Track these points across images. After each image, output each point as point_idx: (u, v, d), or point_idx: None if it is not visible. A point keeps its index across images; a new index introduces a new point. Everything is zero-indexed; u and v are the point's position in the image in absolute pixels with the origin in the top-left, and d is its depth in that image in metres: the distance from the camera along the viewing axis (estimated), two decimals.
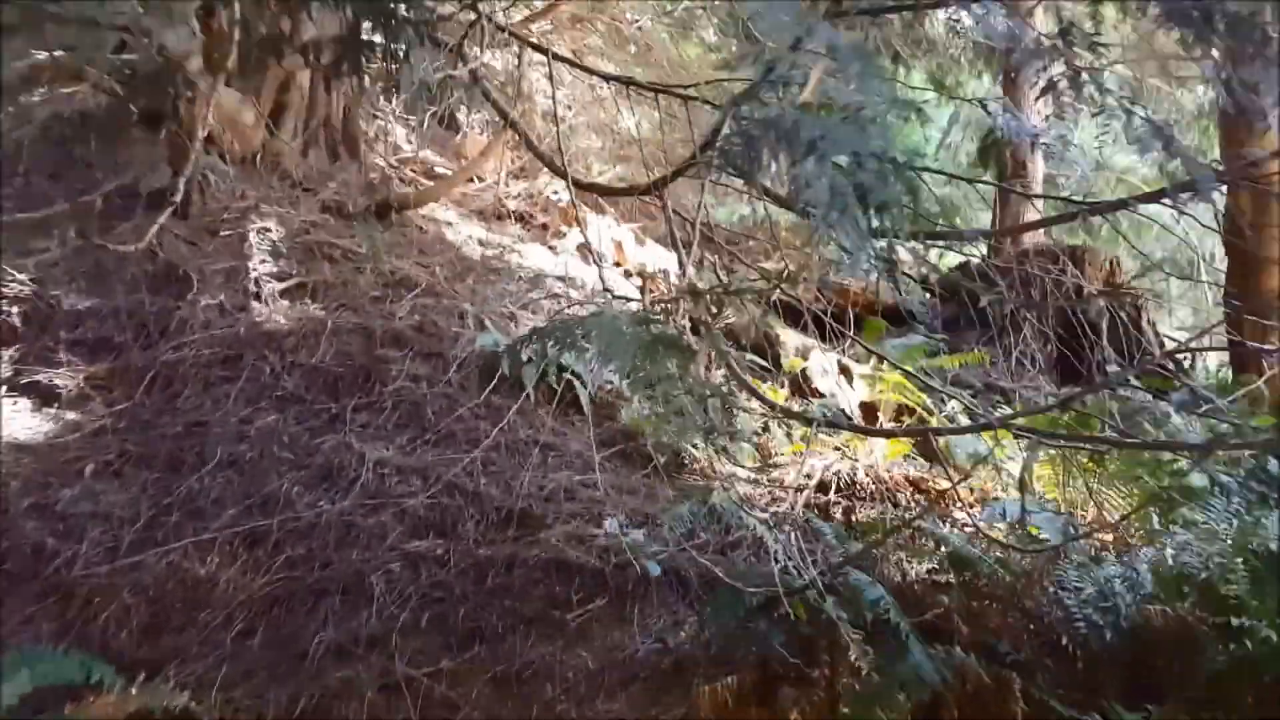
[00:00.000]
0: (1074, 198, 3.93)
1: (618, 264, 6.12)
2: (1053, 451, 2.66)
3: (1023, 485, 2.32)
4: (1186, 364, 4.77)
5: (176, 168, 4.77)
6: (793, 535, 2.78)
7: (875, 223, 2.03)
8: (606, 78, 3.12)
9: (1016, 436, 2.28)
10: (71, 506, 3.42)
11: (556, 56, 2.98)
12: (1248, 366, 4.30)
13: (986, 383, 4.74)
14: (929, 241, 2.73)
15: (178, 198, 3.10)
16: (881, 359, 3.94)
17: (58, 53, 4.70)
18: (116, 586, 3.10)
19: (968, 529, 2.86)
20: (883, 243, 2.08)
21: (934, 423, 3.89)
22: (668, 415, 2.03)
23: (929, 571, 2.95)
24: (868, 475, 3.53)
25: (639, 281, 5.94)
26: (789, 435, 3.81)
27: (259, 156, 5.89)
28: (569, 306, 4.52)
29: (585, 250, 5.95)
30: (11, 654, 2.59)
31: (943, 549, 2.63)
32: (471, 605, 2.86)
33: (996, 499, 3.20)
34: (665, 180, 2.71)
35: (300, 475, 3.55)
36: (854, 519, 3.15)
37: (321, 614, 2.91)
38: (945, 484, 3.45)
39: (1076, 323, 4.91)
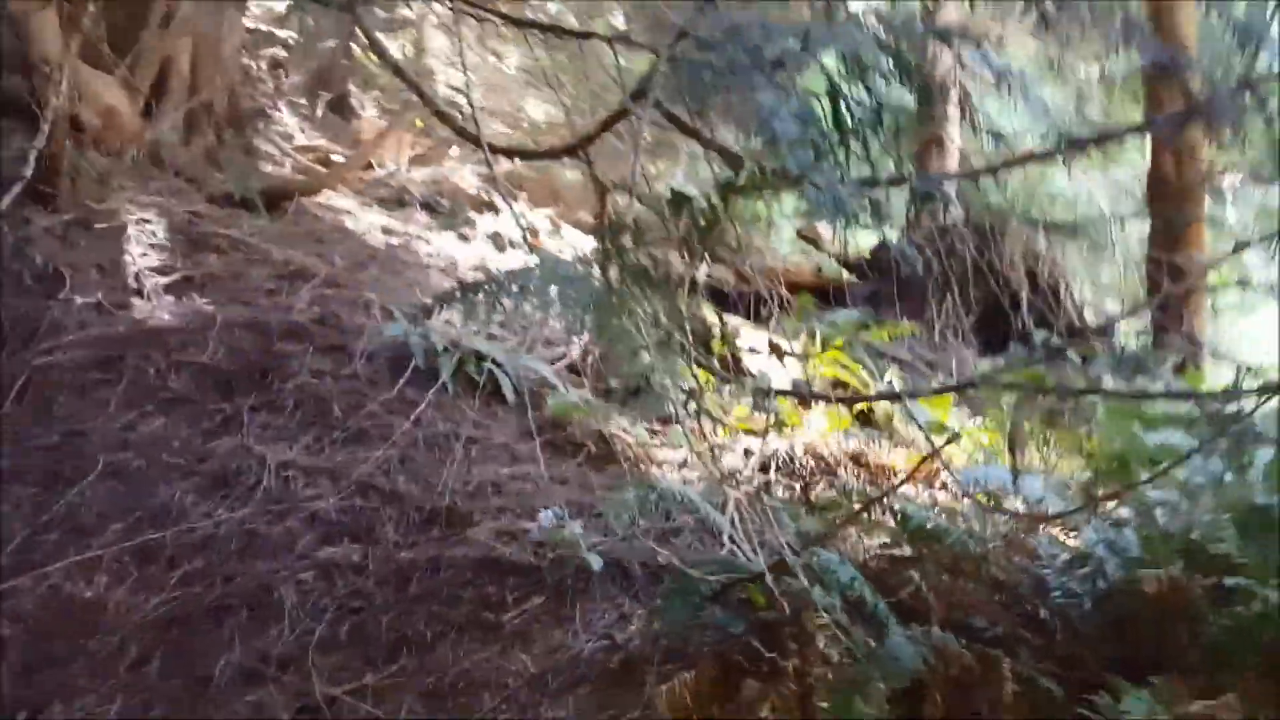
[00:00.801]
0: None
1: (532, 250, 5.88)
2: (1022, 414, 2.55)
3: (1013, 445, 2.18)
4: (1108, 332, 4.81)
5: (42, 157, 4.35)
6: (740, 516, 2.60)
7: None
8: (516, 22, 2.86)
9: (1002, 388, 2.12)
10: None
11: (468, 0, 2.72)
12: (1168, 329, 4.33)
13: (913, 356, 4.69)
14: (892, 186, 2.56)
15: (27, 172, 2.73)
16: (813, 335, 3.81)
17: None
18: None
19: (923, 501, 2.74)
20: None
21: (871, 392, 3.78)
22: (647, 371, 1.79)
23: (882, 547, 2.82)
24: (807, 452, 3.39)
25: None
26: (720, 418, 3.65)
27: (136, 146, 5.46)
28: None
29: (499, 237, 5.70)
30: None
31: (903, 522, 2.48)
32: (395, 614, 2.60)
33: (955, 467, 3.09)
34: (590, 138, 2.49)
35: (193, 483, 3.22)
36: (809, 497, 2.99)
37: (226, 633, 2.61)
38: (887, 458, 3.34)
39: (997, 294, 4.90)
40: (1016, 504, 2.42)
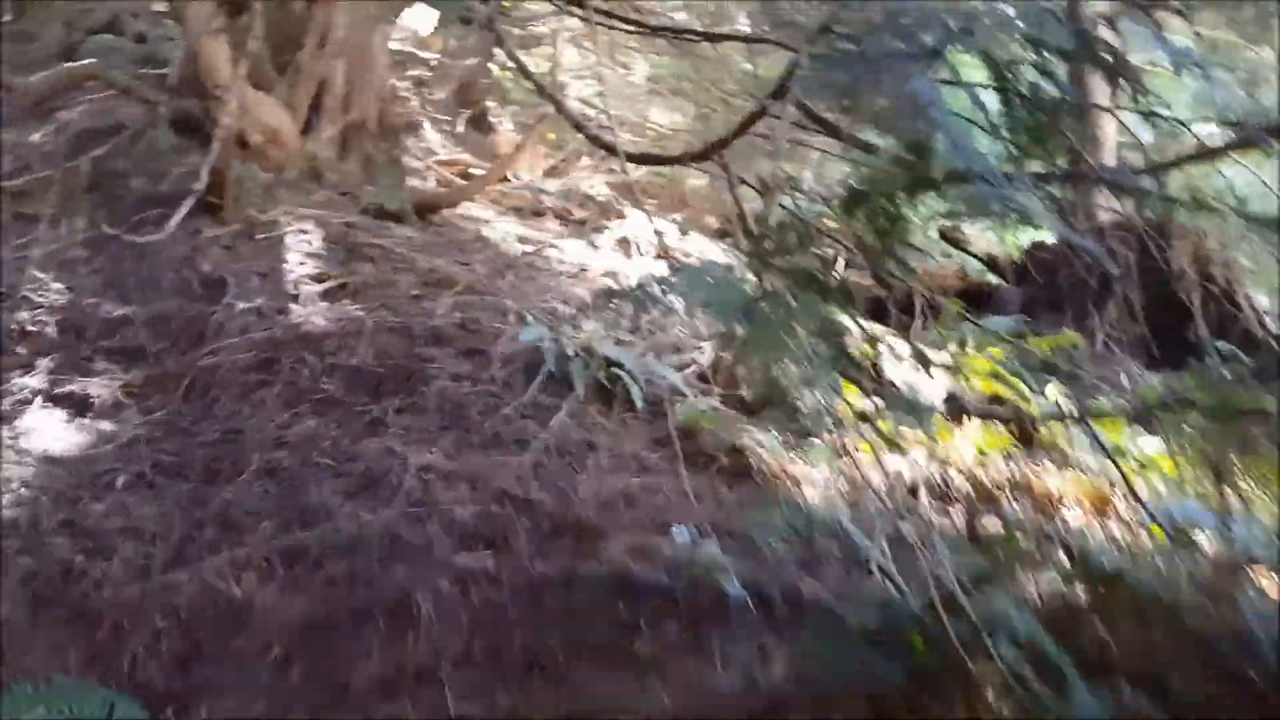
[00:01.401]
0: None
1: (660, 256, 5.65)
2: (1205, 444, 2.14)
3: (1219, 476, 1.79)
4: None
5: (212, 172, 4.37)
6: (890, 546, 2.28)
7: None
8: (653, 29, 2.62)
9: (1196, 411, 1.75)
10: (102, 522, 3.00)
11: (601, 11, 2.50)
12: None
13: (1078, 367, 4.18)
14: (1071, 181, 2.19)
15: (199, 186, 2.65)
16: (963, 344, 3.42)
17: (86, 61, 4.30)
18: (147, 610, 2.67)
19: (1097, 534, 2.35)
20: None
21: (1032, 410, 3.35)
22: (793, 383, 1.51)
23: (1051, 584, 2.43)
24: (962, 474, 3.01)
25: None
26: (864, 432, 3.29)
27: (296, 161, 5.49)
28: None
29: (626, 243, 5.48)
30: (22, 688, 2.17)
31: (1081, 562, 2.11)
32: (528, 631, 2.39)
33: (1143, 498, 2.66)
34: (726, 141, 2.23)
35: (341, 484, 3.11)
36: (974, 527, 2.63)
37: (365, 641, 2.46)
38: (1054, 481, 2.93)
39: (1166, 300, 4.30)
40: (1212, 544, 2.03)
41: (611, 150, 2.66)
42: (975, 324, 3.34)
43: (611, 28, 2.77)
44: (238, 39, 4.44)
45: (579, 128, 2.81)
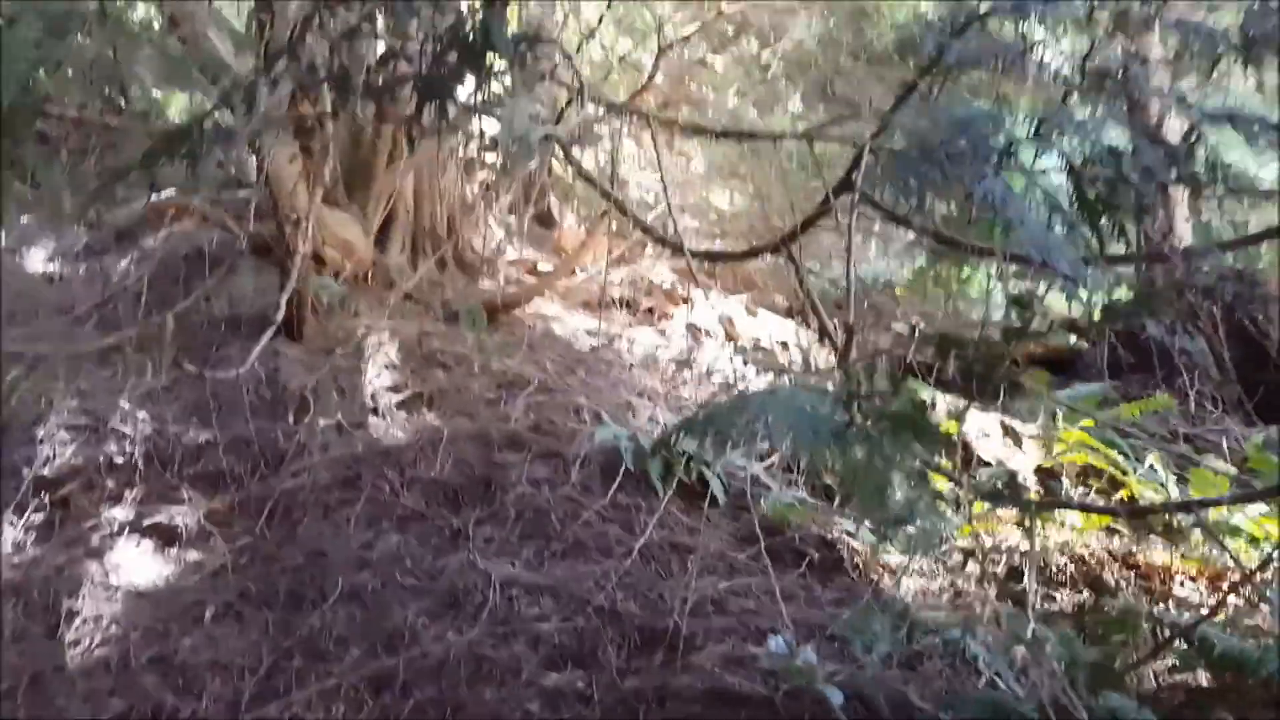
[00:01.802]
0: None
1: (730, 339, 5.62)
2: None
3: None
4: None
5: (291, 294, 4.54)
6: (995, 641, 2.14)
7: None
8: (714, 133, 2.66)
9: None
10: (191, 656, 3.03)
11: (659, 120, 2.54)
12: None
13: (1172, 430, 3.98)
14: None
15: (279, 316, 2.74)
16: (1052, 415, 3.27)
17: (168, 192, 4.56)
18: None
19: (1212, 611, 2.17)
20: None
21: (1132, 484, 3.16)
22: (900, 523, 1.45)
23: (1171, 671, 2.25)
24: (1063, 554, 2.85)
25: (756, 355, 5.41)
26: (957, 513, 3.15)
27: (370, 273, 5.67)
28: (713, 394, 3.98)
29: (695, 329, 5.47)
30: None
31: (1205, 649, 1.94)
32: None
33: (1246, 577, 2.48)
34: (794, 234, 2.20)
35: (425, 604, 3.09)
36: (1082, 618, 2.46)
37: None
38: (1160, 559, 2.75)
39: (1257, 353, 4.10)
40: None
41: (678, 249, 2.67)
42: (1053, 398, 3.17)
43: (674, 132, 2.81)
44: (313, 165, 4.65)
45: (645, 230, 2.83)
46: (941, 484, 3.44)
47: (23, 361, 3.27)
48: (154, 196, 4.85)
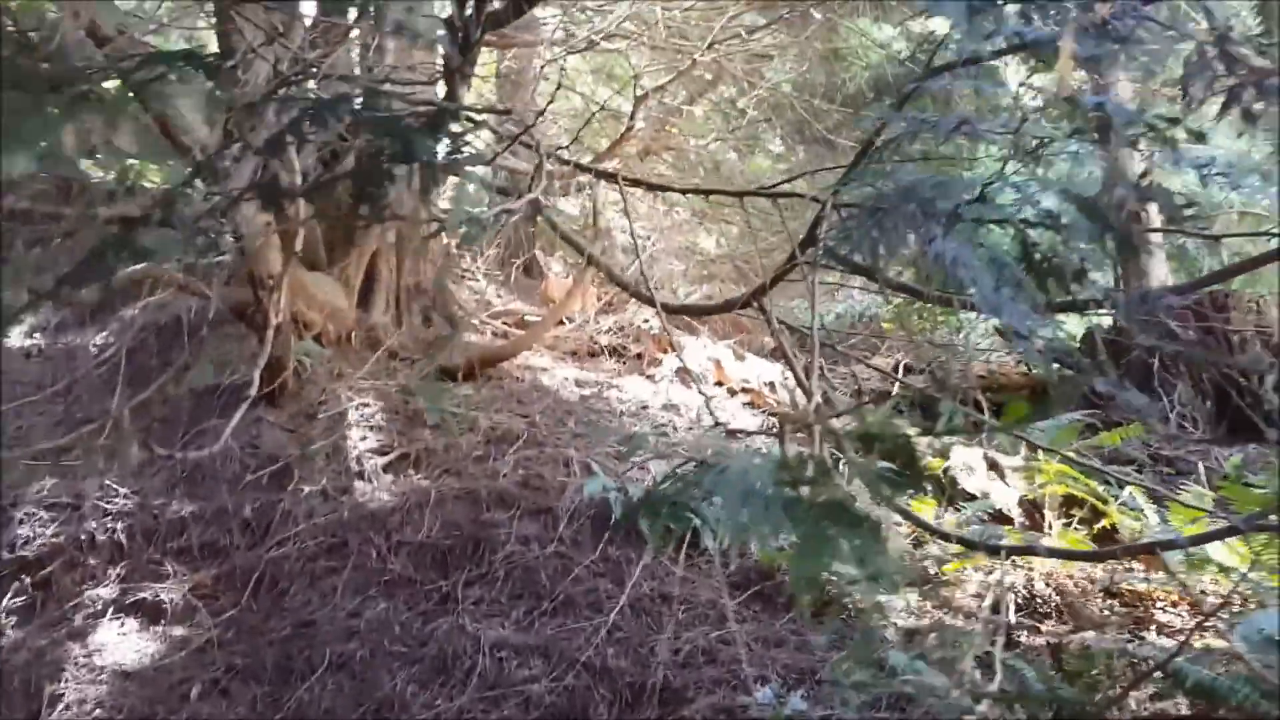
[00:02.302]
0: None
1: (719, 383, 5.66)
2: None
3: None
4: None
5: (269, 359, 4.59)
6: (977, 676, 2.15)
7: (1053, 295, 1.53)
8: (684, 191, 2.74)
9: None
10: None
11: (626, 180, 2.62)
12: None
13: (1151, 454, 4.02)
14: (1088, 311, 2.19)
15: (253, 390, 2.79)
16: (1034, 447, 3.30)
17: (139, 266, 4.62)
18: None
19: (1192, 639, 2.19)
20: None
21: (1112, 513, 3.20)
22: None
23: (1152, 699, 2.27)
24: (1049, 584, 2.87)
25: (745, 398, 5.45)
26: (944, 549, 3.18)
27: (353, 334, 5.73)
28: (682, 462, 4.02)
29: (684, 374, 5.52)
30: None
31: (1179, 680, 1.97)
32: None
33: (1230, 606, 2.50)
34: (764, 288, 2.26)
35: (414, 671, 3.10)
36: (1059, 656, 2.47)
37: None
38: (1143, 587, 2.77)
39: (1232, 374, 4.16)
40: None
41: (650, 303, 2.72)
42: (1019, 435, 3.21)
43: (644, 189, 2.88)
44: (288, 227, 4.72)
45: (619, 284, 2.89)
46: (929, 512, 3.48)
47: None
48: (131, 267, 4.91)
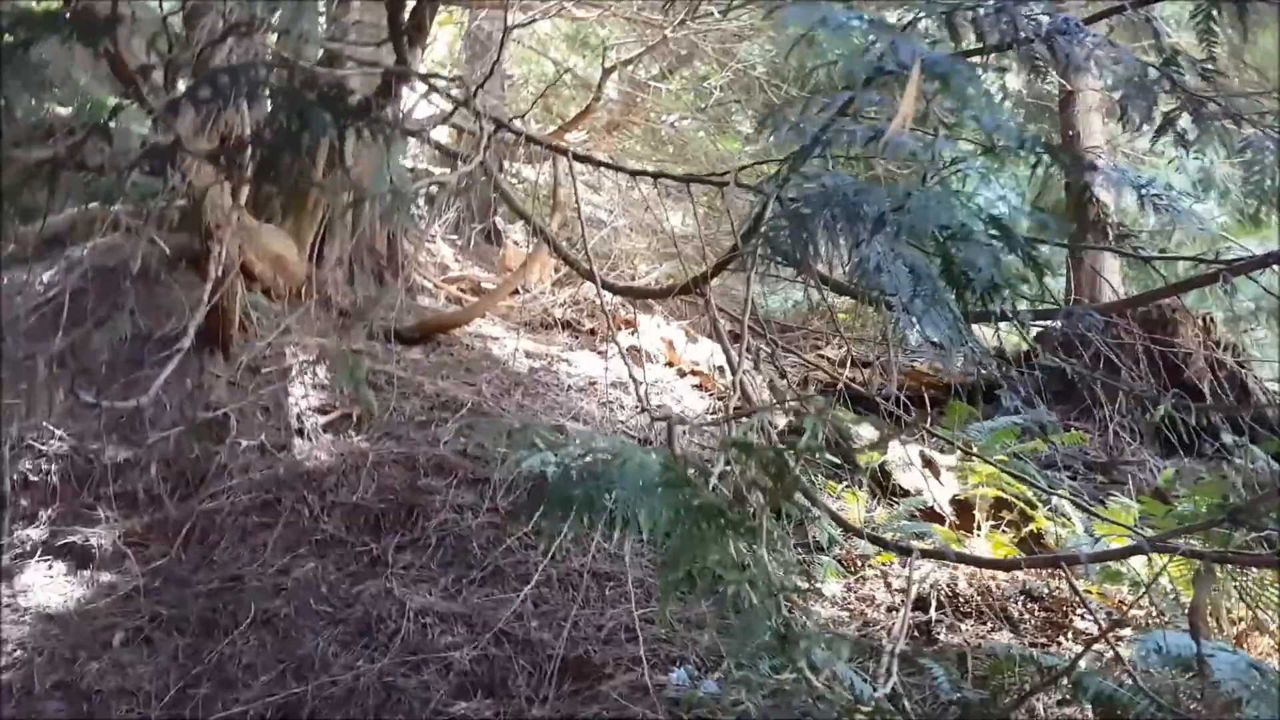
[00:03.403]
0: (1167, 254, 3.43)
1: (670, 363, 5.71)
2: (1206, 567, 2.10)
3: (1194, 628, 1.77)
4: None
5: (215, 311, 4.54)
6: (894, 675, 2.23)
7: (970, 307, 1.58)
8: (632, 173, 2.77)
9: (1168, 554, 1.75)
10: (97, 682, 3.03)
11: (577, 156, 2.63)
12: None
13: (1086, 462, 4.14)
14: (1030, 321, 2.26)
15: (187, 340, 2.77)
16: (969, 447, 3.40)
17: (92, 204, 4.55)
18: None
19: (1111, 659, 2.29)
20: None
21: (1039, 519, 3.31)
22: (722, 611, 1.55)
23: (1060, 704, 2.37)
24: (971, 585, 2.96)
25: (694, 380, 5.50)
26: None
27: (304, 290, 5.67)
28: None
29: (635, 352, 5.55)
30: None
31: (1079, 689, 2.06)
32: None
33: (1137, 619, 2.61)
34: (705, 277, 2.30)
35: (338, 631, 3.12)
36: (965, 655, 2.56)
37: None
38: (1064, 593, 2.88)
39: (1175, 384, 4.29)
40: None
41: (591, 279, 2.75)
42: (946, 439, 3.31)
43: (594, 166, 2.89)
44: (238, 178, 4.66)
45: (567, 260, 2.91)
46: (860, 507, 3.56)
47: None
48: (78, 208, 4.82)
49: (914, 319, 1.52)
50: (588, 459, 1.62)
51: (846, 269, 1.90)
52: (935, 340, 1.51)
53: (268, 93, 1.64)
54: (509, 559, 3.44)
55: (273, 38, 3.17)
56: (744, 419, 2.11)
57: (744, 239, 2.15)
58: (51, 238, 5.49)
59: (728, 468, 1.51)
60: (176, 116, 1.70)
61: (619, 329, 5.88)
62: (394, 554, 3.49)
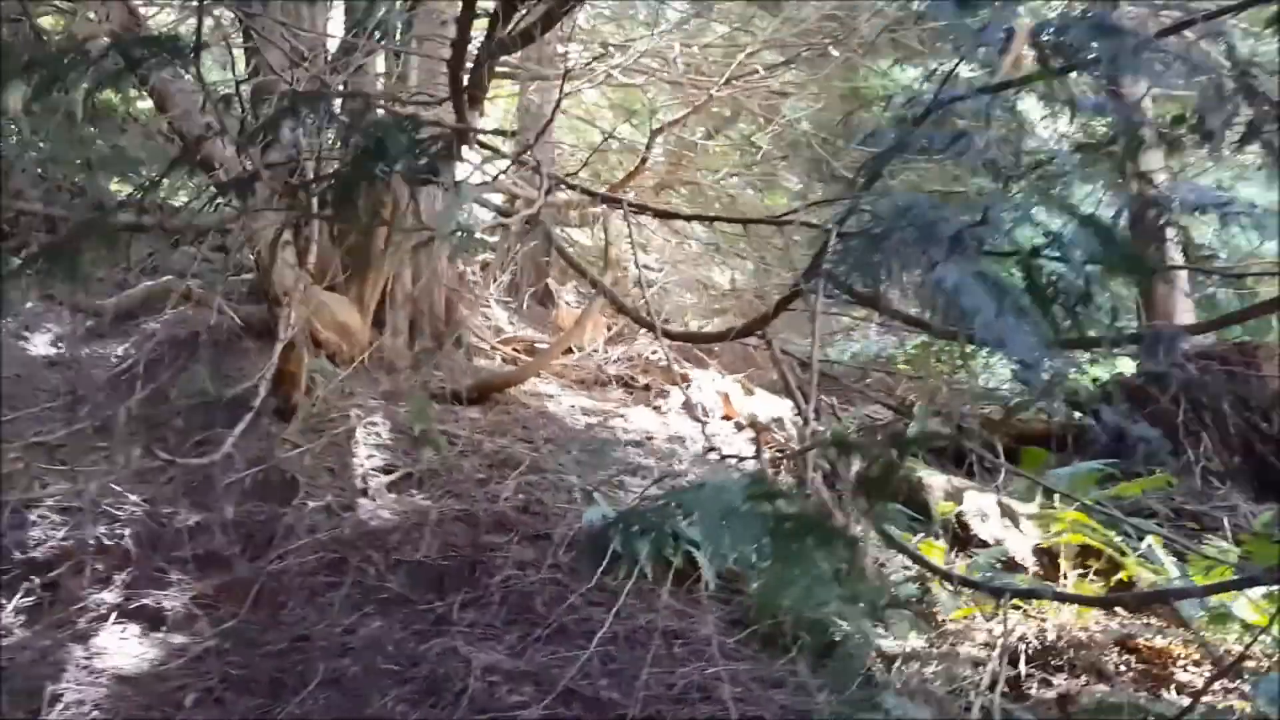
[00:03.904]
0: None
1: (726, 417, 5.64)
2: None
3: None
4: None
5: (283, 376, 4.62)
6: None
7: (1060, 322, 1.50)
8: (690, 218, 2.75)
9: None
10: None
11: (634, 206, 2.63)
12: None
13: (1174, 507, 3.94)
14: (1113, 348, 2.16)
15: (259, 398, 2.79)
16: (1051, 494, 3.25)
17: (165, 278, 4.68)
18: None
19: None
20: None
21: (1130, 565, 3.13)
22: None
23: None
24: (1061, 637, 2.80)
25: (751, 433, 5.42)
26: (957, 594, 3.12)
27: (367, 355, 5.75)
28: (653, 481, 4.00)
29: (691, 406, 5.50)
30: None
31: None
32: None
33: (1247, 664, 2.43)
34: (767, 318, 2.25)
35: (405, 690, 3.07)
36: (1067, 700, 2.41)
37: None
38: (1162, 641, 2.70)
39: (1265, 426, 4.08)
40: None
41: (650, 328, 2.72)
42: (1028, 476, 3.17)
43: (655, 216, 2.90)
44: (303, 248, 4.77)
45: (623, 310, 2.89)
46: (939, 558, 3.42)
47: (16, 446, 3.33)
48: (151, 281, 4.97)
49: (997, 341, 1.44)
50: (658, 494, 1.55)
51: (918, 297, 1.83)
52: (1021, 360, 1.43)
53: (344, 118, 1.66)
54: (572, 615, 3.37)
55: (337, 103, 3.26)
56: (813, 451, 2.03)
57: (806, 276, 2.11)
58: (124, 312, 5.68)
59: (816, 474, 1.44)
60: (252, 144, 1.74)
61: (673, 383, 5.84)
62: (458, 611, 3.44)
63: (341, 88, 2.61)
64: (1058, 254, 1.56)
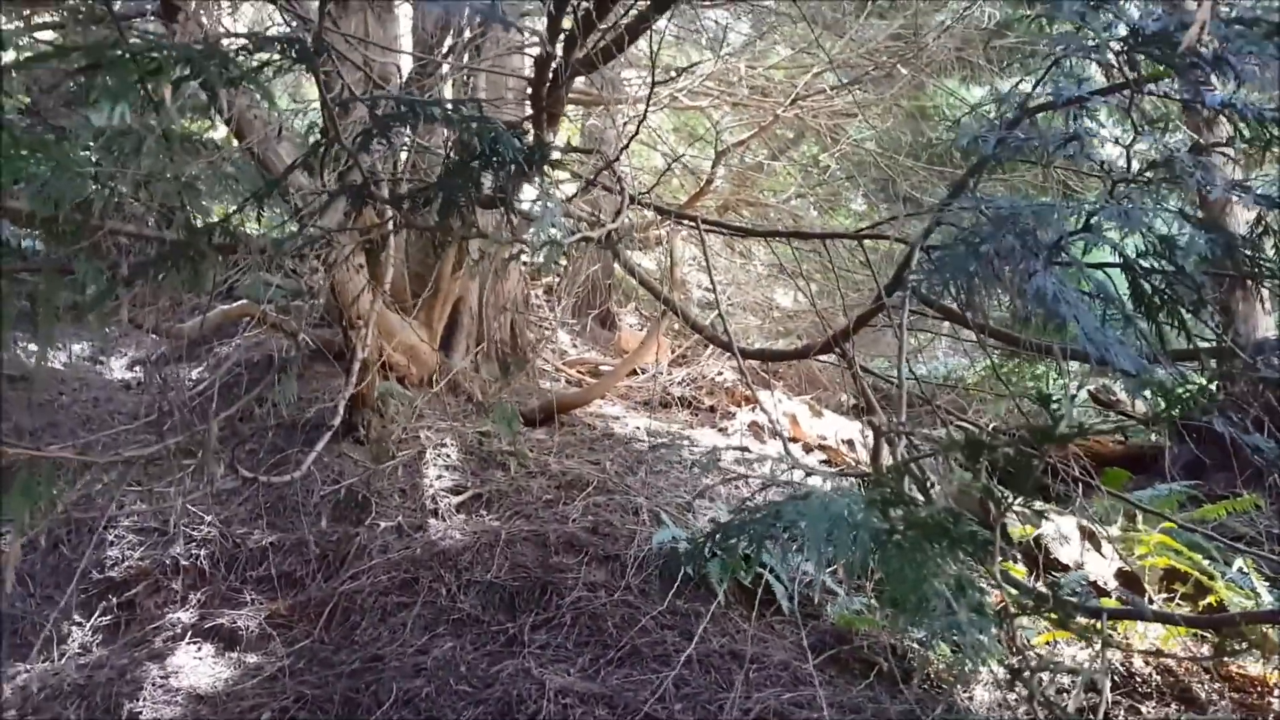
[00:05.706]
0: None
1: (794, 439, 5.56)
2: None
3: None
4: None
5: (355, 398, 4.68)
6: None
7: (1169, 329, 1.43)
8: (765, 234, 2.70)
9: None
10: None
11: (706, 223, 2.60)
12: None
13: (1264, 530, 3.74)
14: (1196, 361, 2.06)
15: (337, 420, 2.82)
16: (1131, 517, 3.12)
17: (240, 301, 4.79)
18: None
19: None
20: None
21: (1219, 589, 2.98)
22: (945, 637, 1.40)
23: None
24: (1149, 664, 2.67)
25: (821, 455, 5.33)
26: (1033, 622, 2.99)
27: (435, 377, 5.81)
28: (753, 493, 3.93)
29: (758, 428, 5.43)
30: None
31: None
32: None
33: None
34: (847, 332, 2.19)
35: (479, 712, 3.03)
36: None
37: None
38: (1258, 670, 2.56)
39: None
40: None
41: (727, 348, 2.68)
42: (1121, 498, 3.03)
43: (727, 233, 2.87)
44: (377, 272, 4.84)
45: (696, 329, 2.86)
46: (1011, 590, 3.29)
47: (96, 466, 3.41)
48: (225, 305, 5.08)
49: (1102, 350, 1.38)
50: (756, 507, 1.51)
51: (1010, 307, 1.77)
52: (1127, 369, 1.36)
53: (456, 118, 1.66)
54: (645, 638, 3.31)
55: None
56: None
57: (888, 291, 2.05)
58: (199, 336, 5.83)
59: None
60: (367, 147, 1.76)
61: (739, 405, 5.78)
62: (530, 633, 3.41)
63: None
64: (1167, 261, 1.48)
